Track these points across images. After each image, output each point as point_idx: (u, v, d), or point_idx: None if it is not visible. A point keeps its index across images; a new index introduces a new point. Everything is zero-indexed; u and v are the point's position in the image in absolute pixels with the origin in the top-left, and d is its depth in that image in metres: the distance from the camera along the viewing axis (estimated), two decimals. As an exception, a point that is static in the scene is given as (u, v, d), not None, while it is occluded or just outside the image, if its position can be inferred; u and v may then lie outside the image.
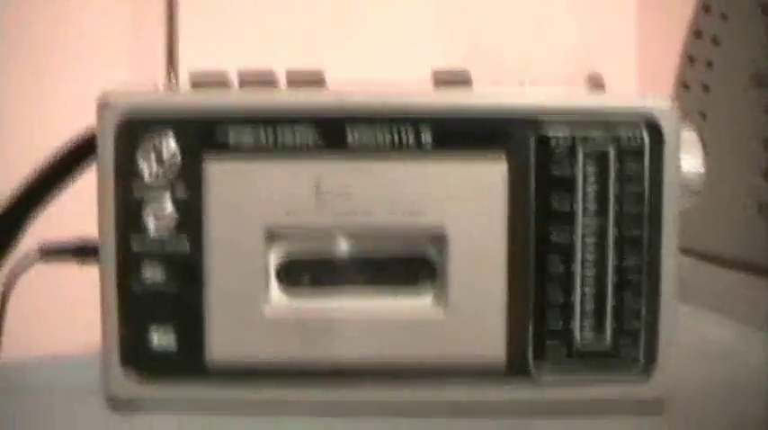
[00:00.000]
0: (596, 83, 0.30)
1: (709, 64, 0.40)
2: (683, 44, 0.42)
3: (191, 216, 0.29)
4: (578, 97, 0.29)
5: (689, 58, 0.41)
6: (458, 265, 0.29)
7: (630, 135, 0.29)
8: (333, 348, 0.29)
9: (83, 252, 0.32)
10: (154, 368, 0.29)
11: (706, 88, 0.40)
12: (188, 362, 0.29)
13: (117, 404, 0.30)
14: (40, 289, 0.34)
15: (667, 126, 0.29)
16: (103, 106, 0.29)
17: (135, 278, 0.29)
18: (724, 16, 0.41)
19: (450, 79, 0.30)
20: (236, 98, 0.29)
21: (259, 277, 0.29)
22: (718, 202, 0.41)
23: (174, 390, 0.29)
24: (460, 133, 0.29)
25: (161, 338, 0.29)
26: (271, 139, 0.29)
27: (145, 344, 0.29)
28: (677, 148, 0.29)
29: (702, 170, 0.30)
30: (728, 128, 0.36)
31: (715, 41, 0.41)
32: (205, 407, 0.29)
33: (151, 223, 0.29)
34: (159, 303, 0.29)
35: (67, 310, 0.42)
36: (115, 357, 0.29)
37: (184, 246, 0.29)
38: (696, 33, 0.42)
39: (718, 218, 0.41)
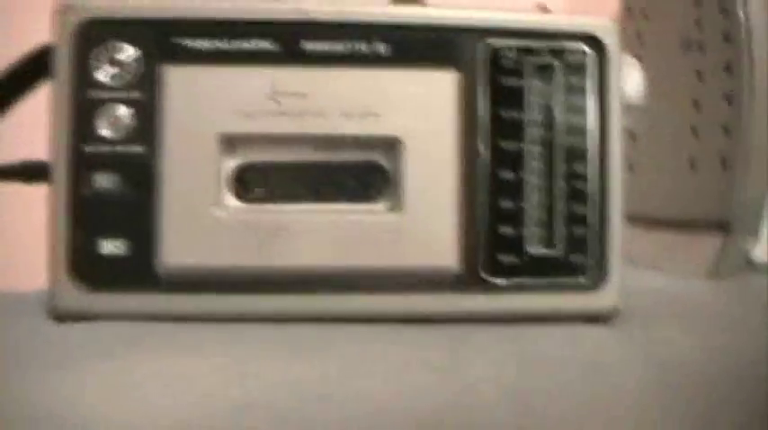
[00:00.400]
0: (542, 9, 0.32)
1: (640, 36, 0.43)
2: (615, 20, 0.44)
3: (145, 121, 0.29)
4: (526, 15, 0.31)
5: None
6: (411, 173, 0.29)
7: (574, 50, 0.30)
8: (287, 255, 0.29)
9: (29, 170, 0.31)
10: (103, 276, 0.29)
11: (639, 58, 0.42)
12: (139, 269, 0.29)
13: (64, 315, 0.29)
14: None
15: (609, 42, 0.30)
16: (62, 10, 0.29)
17: (86, 183, 0.29)
18: (653, -8, 0.44)
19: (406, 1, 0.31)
20: (195, 5, 0.29)
21: (213, 182, 0.29)
22: (648, 167, 0.43)
23: (124, 299, 0.29)
24: (414, 45, 0.30)
25: (111, 245, 0.29)
26: (228, 46, 0.29)
27: (94, 251, 0.29)
28: (619, 63, 0.30)
29: (642, 89, 0.31)
30: (661, 94, 0.38)
31: (644, 15, 0.44)
32: (156, 314, 0.29)
33: (105, 128, 0.29)
34: (110, 209, 0.29)
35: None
36: (62, 266, 0.29)
37: (138, 151, 0.29)
38: (627, 10, 0.44)
39: (648, 181, 0.42)
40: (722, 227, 0.39)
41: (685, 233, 0.41)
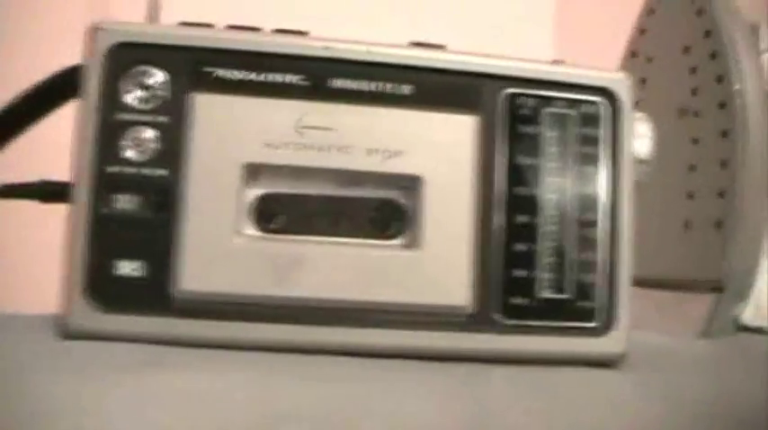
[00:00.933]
0: (559, 63, 0.33)
1: (637, 103, 0.44)
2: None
3: (170, 146, 0.29)
4: (544, 66, 0.32)
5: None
6: (429, 212, 0.30)
7: (589, 101, 0.31)
8: (302, 287, 0.29)
9: (48, 189, 0.31)
10: (118, 297, 0.29)
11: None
12: (154, 292, 0.29)
13: (76, 335, 0.28)
14: None
15: (622, 95, 0.32)
16: (95, 30, 0.29)
17: (106, 204, 0.29)
18: (649, 59, 0.46)
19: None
20: (225, 35, 0.30)
21: (234, 211, 0.29)
22: (642, 227, 0.44)
23: (137, 321, 0.28)
24: (437, 88, 0.31)
25: (128, 267, 0.29)
26: (258, 78, 0.30)
27: (110, 272, 0.29)
28: (631, 116, 0.32)
29: (651, 144, 0.32)
30: (657, 159, 0.39)
31: (642, 82, 0.45)
32: (169, 339, 0.28)
33: (129, 150, 0.29)
34: (129, 231, 0.29)
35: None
36: (77, 286, 0.28)
37: (161, 174, 0.29)
38: (625, 75, 0.46)
39: (642, 242, 0.43)
40: (714, 288, 0.40)
41: (677, 293, 0.42)
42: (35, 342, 0.28)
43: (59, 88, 0.31)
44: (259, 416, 0.24)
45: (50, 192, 0.31)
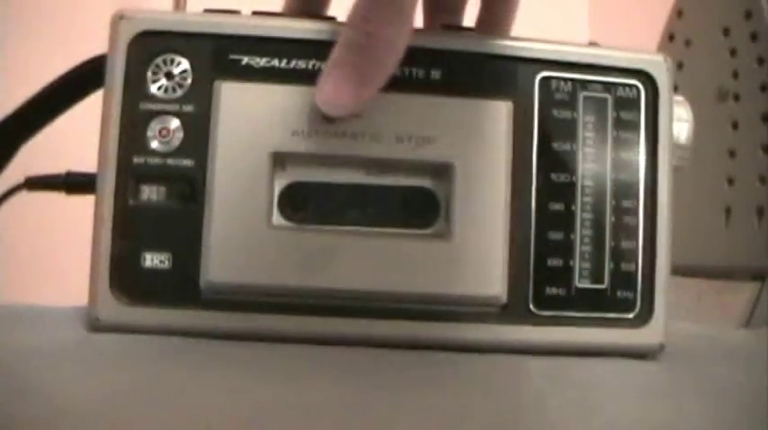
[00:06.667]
0: (594, 46, 0.32)
1: (675, 87, 0.43)
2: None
3: (196, 135, 0.29)
4: (580, 48, 0.31)
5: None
6: (462, 200, 0.29)
7: (627, 84, 0.30)
8: (332, 278, 0.28)
9: (70, 182, 0.31)
10: (145, 290, 0.28)
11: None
12: (182, 284, 0.28)
13: (103, 327, 0.28)
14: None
15: (661, 78, 0.30)
16: (119, 19, 0.29)
17: (132, 195, 0.28)
18: (687, 42, 0.45)
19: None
20: (250, 21, 0.29)
21: (262, 201, 0.28)
22: (681, 215, 0.42)
23: (164, 314, 0.28)
24: (470, 73, 0.30)
25: (155, 259, 0.28)
26: (284, 65, 0.29)
27: (137, 264, 0.28)
28: (670, 100, 0.30)
29: (691, 128, 0.31)
30: (695, 144, 0.38)
31: (679, 66, 0.44)
32: (196, 331, 0.28)
33: (155, 140, 0.29)
34: (156, 222, 0.28)
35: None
36: (104, 278, 0.28)
37: (187, 164, 0.28)
38: (661, 59, 0.45)
39: (681, 230, 0.42)
40: (755, 277, 0.39)
41: (717, 282, 0.41)
42: (63, 335, 0.28)
43: (85, 78, 0.31)
44: (289, 409, 0.23)
45: (76, 183, 0.31)
